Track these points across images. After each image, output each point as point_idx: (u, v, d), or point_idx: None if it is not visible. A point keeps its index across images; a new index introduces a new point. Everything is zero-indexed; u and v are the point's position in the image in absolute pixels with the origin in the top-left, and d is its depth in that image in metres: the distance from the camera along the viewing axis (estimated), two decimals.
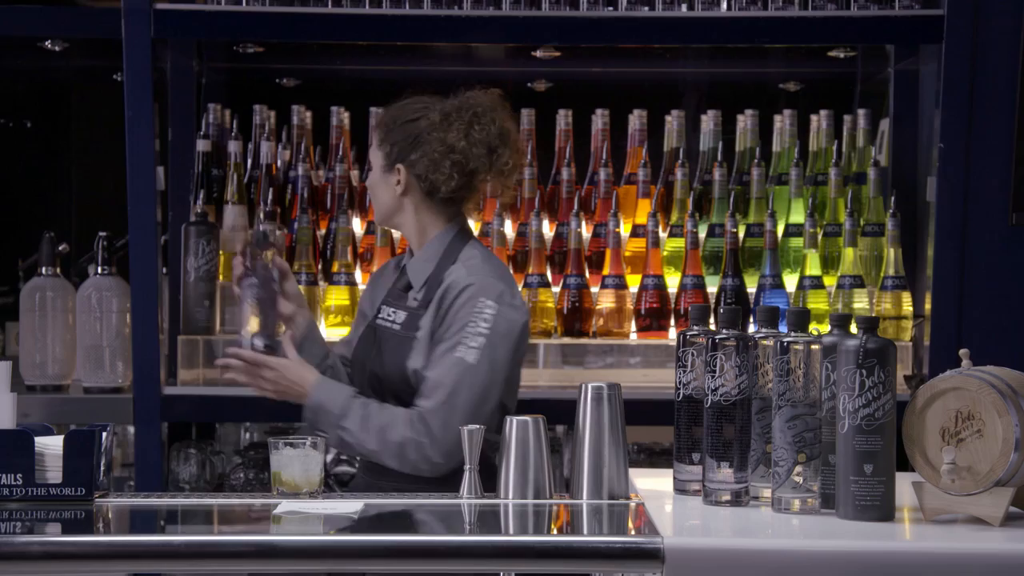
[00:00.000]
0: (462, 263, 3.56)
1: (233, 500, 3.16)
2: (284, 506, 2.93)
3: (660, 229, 4.31)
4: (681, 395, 3.02)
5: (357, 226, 4.41)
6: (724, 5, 4.19)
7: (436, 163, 3.55)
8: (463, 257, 3.57)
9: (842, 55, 4.57)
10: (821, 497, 2.83)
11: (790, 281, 4.26)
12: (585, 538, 2.78)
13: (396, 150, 3.59)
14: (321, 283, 4.32)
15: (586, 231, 4.36)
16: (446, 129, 3.56)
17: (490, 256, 3.65)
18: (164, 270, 4.31)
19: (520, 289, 4.26)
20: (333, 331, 4.22)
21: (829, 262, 4.31)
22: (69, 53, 4.64)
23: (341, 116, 4.51)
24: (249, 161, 4.51)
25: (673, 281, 4.28)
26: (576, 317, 4.25)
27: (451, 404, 3.40)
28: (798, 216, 4.32)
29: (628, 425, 3.03)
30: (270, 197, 4.35)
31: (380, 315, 3.63)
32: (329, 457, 4.36)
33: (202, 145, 4.43)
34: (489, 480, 3.08)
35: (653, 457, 4.57)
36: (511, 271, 3.88)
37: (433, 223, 3.61)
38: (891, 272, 4.22)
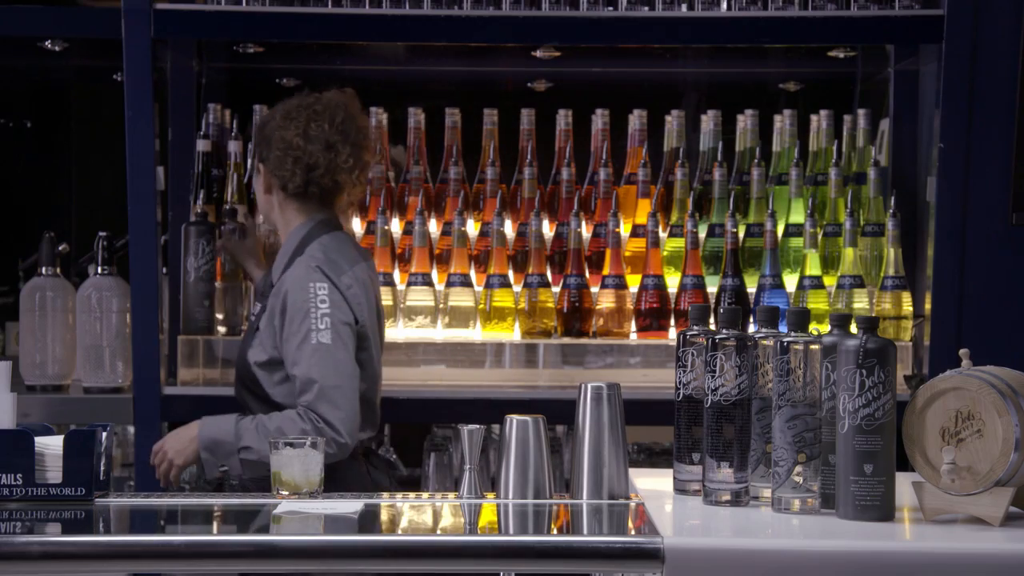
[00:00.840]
0: (303, 255, 3.73)
1: (233, 500, 3.15)
2: (284, 506, 2.93)
3: (660, 229, 4.31)
4: (681, 395, 3.01)
5: (357, 226, 4.41)
6: (724, 5, 4.19)
7: (280, 161, 3.78)
8: (308, 250, 3.74)
9: (842, 55, 4.57)
10: (821, 497, 2.83)
11: (790, 281, 4.26)
12: (585, 538, 2.78)
13: (258, 151, 3.84)
14: None
15: (586, 231, 4.36)
16: (286, 128, 3.76)
17: (335, 247, 3.77)
18: (164, 270, 4.31)
19: (521, 288, 4.26)
20: None
21: (829, 262, 4.31)
22: (69, 53, 4.63)
23: None
24: (249, 161, 4.50)
25: (673, 281, 4.28)
26: (576, 317, 4.25)
27: (327, 389, 3.61)
28: (798, 216, 4.32)
29: (628, 425, 3.03)
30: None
31: (251, 312, 3.93)
32: None
33: (202, 145, 4.43)
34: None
35: (653, 457, 4.57)
36: (363, 258, 3.91)
37: (292, 220, 3.81)
38: (891, 272, 4.22)
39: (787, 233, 4.33)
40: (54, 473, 2.95)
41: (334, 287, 3.69)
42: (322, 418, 3.59)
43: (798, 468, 2.82)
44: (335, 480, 3.32)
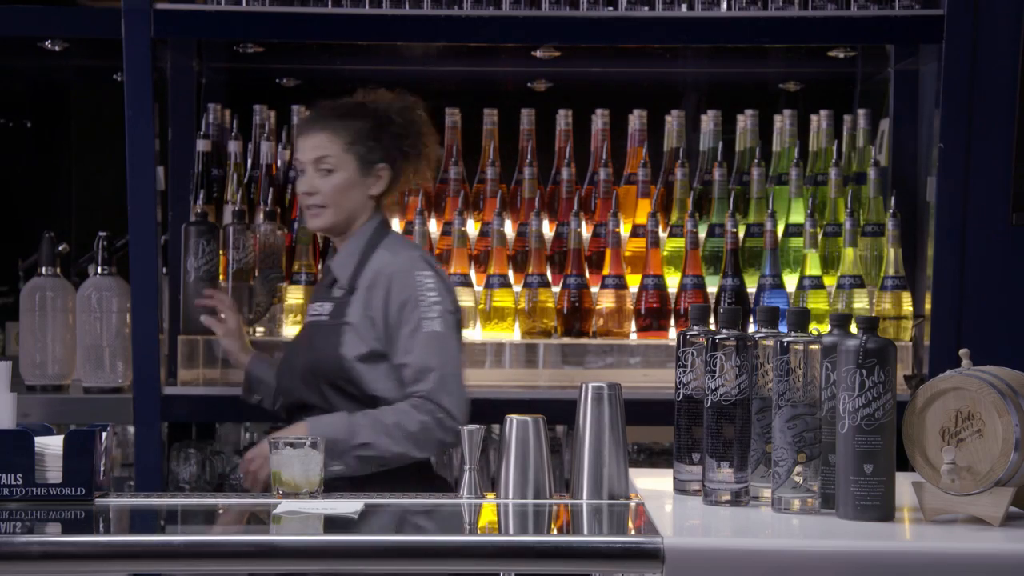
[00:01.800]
0: (384, 248, 3.70)
1: (233, 500, 3.16)
2: (284, 506, 2.93)
3: (660, 229, 4.31)
4: (681, 395, 3.01)
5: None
6: (724, 5, 4.19)
7: (403, 164, 3.75)
8: (384, 244, 3.71)
9: (842, 55, 4.57)
10: (821, 497, 2.83)
11: (790, 281, 4.26)
12: (585, 538, 2.78)
13: (379, 151, 3.70)
14: None
15: (586, 231, 4.36)
16: (429, 135, 3.78)
17: (409, 241, 3.90)
18: (164, 270, 4.31)
19: (521, 288, 4.27)
20: None
21: (829, 262, 4.31)
22: (69, 53, 4.63)
23: None
24: (249, 161, 4.51)
25: (673, 281, 4.28)
26: (576, 317, 4.25)
27: (445, 376, 3.57)
28: (798, 216, 4.32)
29: (628, 425, 3.03)
30: (270, 197, 4.35)
31: (309, 313, 3.76)
32: None
33: (202, 145, 4.43)
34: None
35: (653, 457, 4.57)
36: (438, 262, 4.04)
37: (364, 215, 3.74)
38: (891, 272, 4.22)
39: (787, 233, 4.33)
40: (54, 473, 2.95)
41: (438, 276, 3.68)
42: (440, 406, 3.54)
43: (798, 468, 2.82)
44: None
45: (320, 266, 4.33)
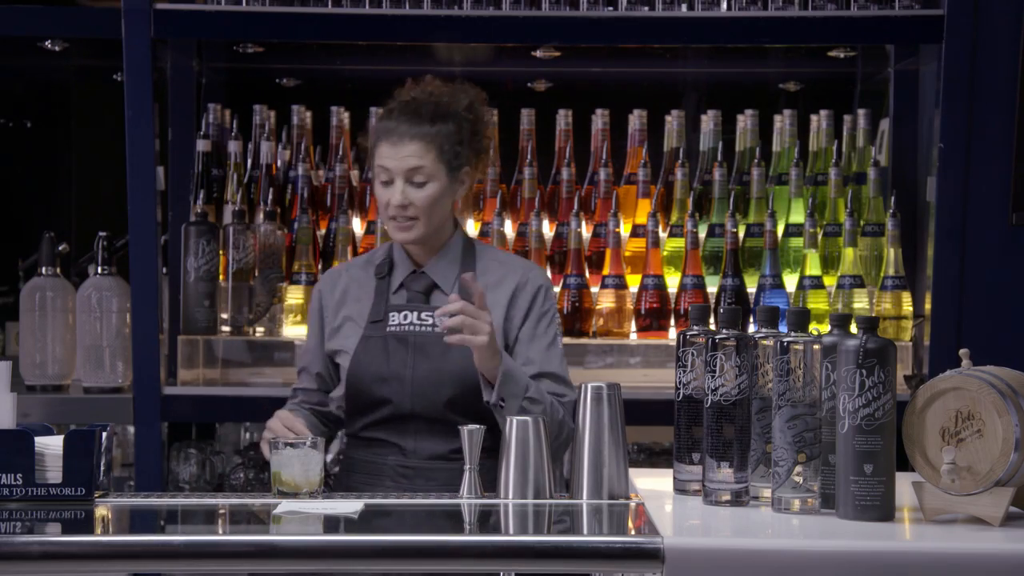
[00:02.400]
0: (503, 256, 3.63)
1: (233, 500, 3.16)
2: (284, 506, 2.93)
3: (660, 229, 4.31)
4: (681, 395, 3.02)
5: (357, 226, 4.41)
6: (724, 5, 4.19)
7: (484, 162, 3.64)
8: (493, 251, 3.65)
9: (842, 55, 4.57)
10: (821, 497, 2.83)
11: (790, 281, 4.26)
12: (585, 538, 2.78)
13: (462, 152, 3.53)
14: None
15: (586, 231, 4.36)
16: (488, 125, 3.63)
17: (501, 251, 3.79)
18: (164, 270, 4.31)
19: None
20: None
21: (829, 262, 4.31)
22: (69, 53, 4.64)
23: (341, 116, 4.51)
24: (249, 161, 4.51)
25: (673, 281, 4.28)
26: (576, 317, 4.25)
27: (571, 386, 3.50)
28: (798, 216, 4.32)
29: (628, 425, 3.03)
30: (270, 197, 4.35)
31: (401, 322, 3.51)
32: (329, 457, 4.36)
33: (202, 145, 4.43)
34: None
35: (653, 457, 4.57)
36: None
37: (447, 225, 3.57)
38: (891, 272, 4.22)
39: (787, 233, 4.33)
40: (54, 473, 2.95)
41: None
42: (570, 415, 3.44)
43: (798, 468, 2.82)
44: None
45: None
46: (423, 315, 3.50)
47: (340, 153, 4.46)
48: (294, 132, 4.55)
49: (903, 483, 2.83)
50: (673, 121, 4.48)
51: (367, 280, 3.60)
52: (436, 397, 3.44)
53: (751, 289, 4.26)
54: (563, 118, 4.49)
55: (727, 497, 2.90)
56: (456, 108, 3.54)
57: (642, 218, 4.31)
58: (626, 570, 2.74)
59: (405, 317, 3.51)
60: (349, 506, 2.94)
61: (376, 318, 3.53)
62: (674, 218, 4.36)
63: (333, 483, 3.80)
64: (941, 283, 4.13)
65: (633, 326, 4.27)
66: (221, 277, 4.30)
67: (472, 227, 4.36)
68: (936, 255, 4.14)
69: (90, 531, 2.83)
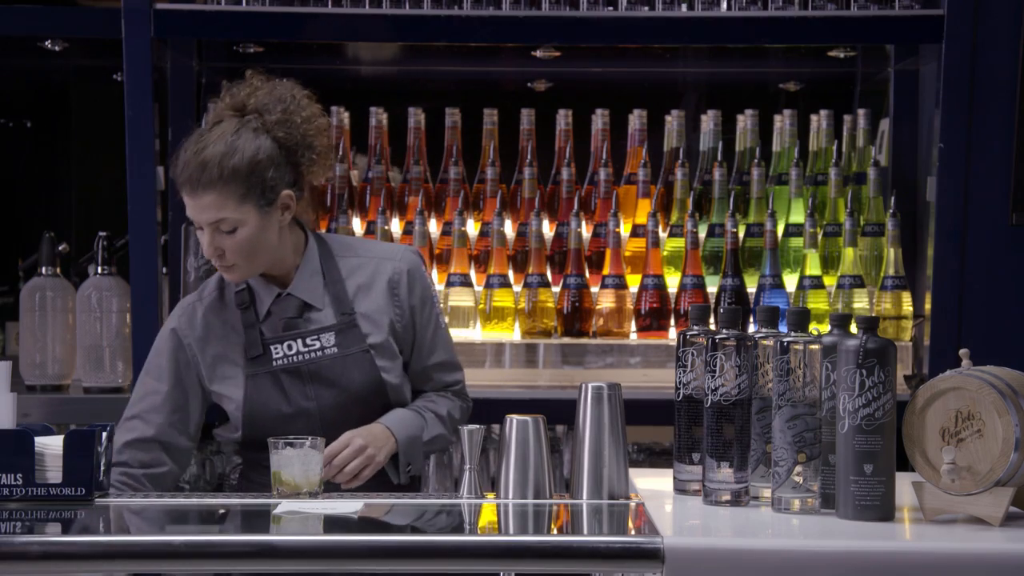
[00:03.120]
0: (363, 249, 3.45)
1: (233, 500, 3.15)
2: (284, 506, 2.93)
3: (660, 229, 4.31)
4: (681, 395, 3.02)
5: (357, 226, 4.41)
6: (724, 5, 4.19)
7: (314, 167, 3.38)
8: (350, 245, 3.46)
9: (842, 55, 4.57)
10: (821, 497, 2.83)
11: (790, 281, 4.26)
12: (585, 538, 2.78)
13: (270, 187, 3.28)
14: None
15: (586, 231, 4.36)
16: (309, 128, 3.38)
17: (350, 235, 3.72)
18: (164, 270, 4.31)
19: (521, 288, 4.27)
20: None
21: (829, 262, 4.31)
22: (69, 53, 4.64)
23: (341, 116, 4.51)
24: None
25: (673, 281, 4.28)
26: (576, 317, 4.25)
27: (460, 368, 3.56)
28: (798, 216, 4.32)
29: (628, 425, 3.03)
30: None
31: (287, 352, 3.34)
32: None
33: None
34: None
35: (653, 457, 4.57)
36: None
37: (290, 244, 3.38)
38: (891, 272, 4.22)
39: (787, 233, 4.33)
40: (54, 473, 2.95)
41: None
42: (467, 398, 3.56)
43: (798, 468, 2.82)
44: None
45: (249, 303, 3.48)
46: (308, 340, 3.35)
47: (340, 153, 4.46)
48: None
49: (903, 483, 2.83)
50: (673, 121, 4.48)
51: (227, 312, 3.41)
52: (346, 422, 3.32)
53: (751, 289, 4.26)
54: (563, 118, 4.49)
55: (727, 497, 2.90)
56: (253, 133, 3.30)
57: (642, 218, 4.31)
58: (626, 570, 2.74)
59: (289, 348, 3.34)
60: (349, 506, 2.94)
61: (255, 353, 3.35)
62: (674, 218, 4.36)
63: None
64: (941, 283, 4.13)
65: (633, 326, 4.27)
66: None
67: (472, 227, 4.37)
68: (936, 255, 4.14)
69: (90, 531, 2.83)
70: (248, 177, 3.25)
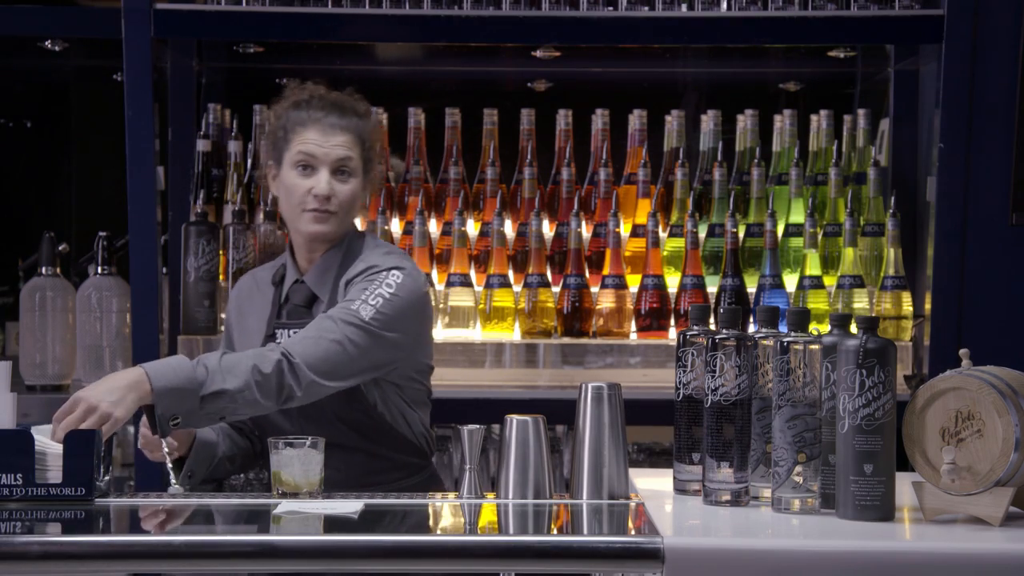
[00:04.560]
0: (369, 251, 3.42)
1: (233, 500, 3.15)
2: (284, 506, 2.93)
3: (660, 229, 4.31)
4: (681, 395, 3.02)
5: (357, 226, 4.40)
6: (724, 5, 4.19)
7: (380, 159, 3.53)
8: (369, 246, 3.45)
9: (842, 55, 4.57)
10: (821, 497, 2.83)
11: (790, 281, 4.26)
12: (585, 538, 2.78)
13: (372, 156, 3.45)
14: None
15: (586, 231, 4.36)
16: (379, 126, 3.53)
17: (389, 244, 3.58)
18: (164, 270, 4.31)
19: (521, 288, 4.27)
20: None
21: (829, 262, 4.31)
22: (69, 53, 4.64)
23: None
24: (249, 161, 4.51)
25: (673, 281, 4.28)
26: (576, 317, 4.25)
27: (317, 338, 3.20)
28: (798, 216, 4.32)
29: (628, 425, 3.03)
30: (270, 197, 4.35)
31: (287, 339, 3.28)
32: None
33: (202, 145, 4.43)
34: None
35: (653, 457, 4.57)
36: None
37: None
38: (891, 272, 4.22)
39: (787, 233, 4.33)
40: (54, 473, 2.95)
41: (404, 276, 3.35)
42: (299, 353, 3.20)
43: (798, 468, 2.82)
44: None
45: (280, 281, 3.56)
46: (290, 332, 3.35)
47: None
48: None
49: (903, 483, 2.83)
50: (673, 121, 4.48)
51: (267, 287, 3.49)
52: (320, 417, 3.31)
53: (751, 289, 4.26)
54: (563, 118, 4.49)
55: (727, 497, 2.90)
56: (363, 111, 3.47)
57: (642, 218, 4.31)
58: (626, 570, 2.74)
59: (289, 336, 3.33)
60: (349, 506, 2.94)
61: (268, 333, 3.42)
62: (674, 218, 4.36)
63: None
64: (941, 283, 4.13)
65: (633, 326, 4.27)
66: (221, 277, 4.30)
67: (472, 227, 4.36)
68: (936, 255, 4.14)
69: (90, 531, 2.83)
70: (368, 134, 3.42)
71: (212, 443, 3.37)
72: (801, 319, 2.86)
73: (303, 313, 3.41)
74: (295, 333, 3.30)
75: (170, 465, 3.18)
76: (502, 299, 4.24)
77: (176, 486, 3.14)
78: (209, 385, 3.09)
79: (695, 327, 3.02)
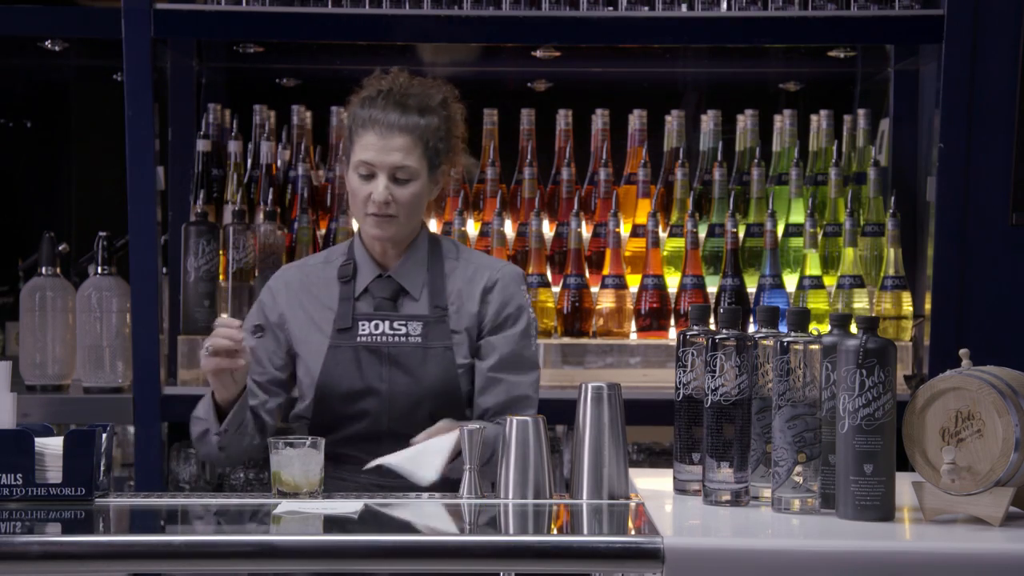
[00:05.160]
0: (470, 254, 3.46)
1: (233, 500, 3.15)
2: (284, 506, 2.93)
3: (660, 229, 4.31)
4: (681, 395, 3.01)
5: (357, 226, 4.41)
6: (724, 5, 4.19)
7: (457, 160, 3.48)
8: (460, 249, 3.47)
9: (842, 55, 4.57)
10: (821, 497, 2.83)
11: (790, 281, 4.27)
12: (585, 538, 2.78)
13: (442, 150, 3.40)
14: None
15: (586, 231, 4.36)
16: (457, 122, 3.45)
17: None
18: (164, 270, 4.31)
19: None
20: None
21: (829, 262, 4.31)
22: (69, 53, 4.64)
23: (341, 116, 4.50)
24: (249, 161, 4.51)
25: (673, 281, 4.28)
26: (576, 317, 4.25)
27: (536, 399, 3.42)
28: (798, 216, 4.32)
29: (628, 425, 3.03)
30: (270, 197, 4.35)
31: (372, 331, 3.36)
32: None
33: (202, 145, 4.43)
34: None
35: (653, 457, 4.57)
36: None
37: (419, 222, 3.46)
38: (891, 272, 4.22)
39: (787, 233, 4.33)
40: (54, 473, 2.95)
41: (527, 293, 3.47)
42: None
43: (798, 468, 2.82)
44: None
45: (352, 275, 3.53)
46: (395, 324, 3.36)
47: (340, 153, 4.47)
48: (294, 132, 4.55)
49: (903, 483, 2.83)
50: (673, 121, 4.48)
51: (328, 282, 3.45)
52: (415, 413, 3.33)
53: (751, 289, 4.26)
54: (563, 118, 4.49)
55: (727, 497, 2.90)
56: (436, 102, 3.40)
57: (642, 218, 4.31)
58: (626, 570, 2.74)
59: (376, 327, 3.36)
60: (349, 506, 2.94)
61: (344, 326, 3.38)
62: (674, 218, 4.36)
63: None
64: (941, 283, 4.13)
65: (633, 326, 4.27)
66: (221, 277, 4.30)
67: (472, 227, 4.37)
68: (936, 255, 4.14)
69: (90, 531, 2.83)
70: (435, 129, 3.35)
71: (247, 407, 3.33)
72: (801, 319, 2.86)
73: (389, 306, 3.39)
74: (381, 324, 3.35)
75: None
76: None
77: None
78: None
79: (695, 327, 3.02)
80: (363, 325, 3.37)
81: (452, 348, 3.37)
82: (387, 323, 3.37)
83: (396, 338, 3.36)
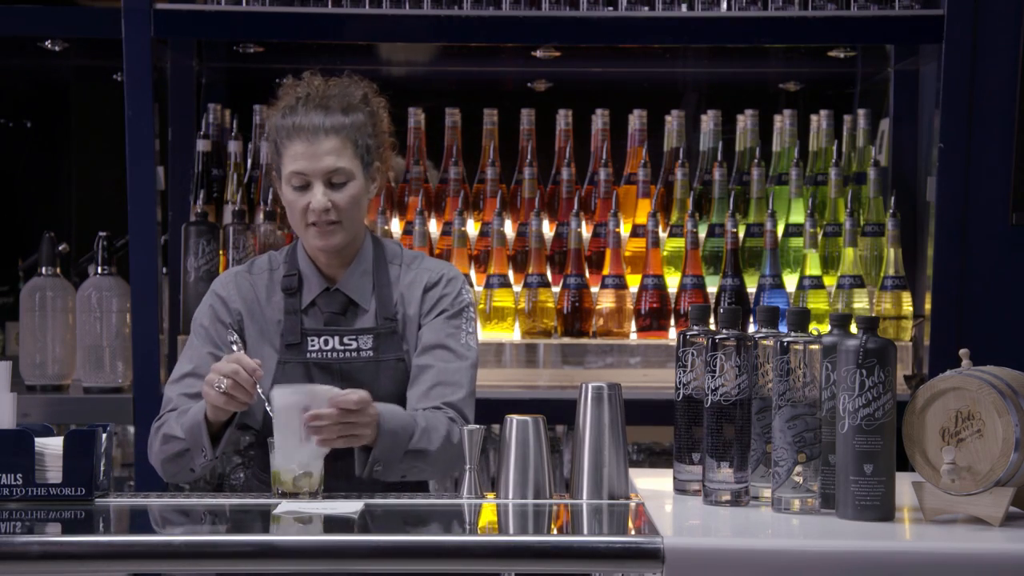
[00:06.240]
0: (413, 258, 3.38)
1: (233, 500, 3.15)
2: (284, 506, 2.93)
3: (660, 229, 4.31)
4: (681, 395, 3.01)
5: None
6: (724, 5, 4.19)
7: (390, 157, 3.41)
8: (405, 254, 3.40)
9: (842, 55, 4.57)
10: (821, 497, 2.83)
11: (790, 281, 4.27)
12: (585, 538, 2.78)
13: (372, 146, 3.31)
14: None
15: (586, 231, 4.36)
16: (382, 117, 3.36)
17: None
18: (164, 270, 4.31)
19: (521, 289, 4.27)
20: None
21: (829, 262, 4.31)
22: (69, 53, 4.64)
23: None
24: (249, 161, 4.51)
25: (673, 281, 4.28)
26: (576, 317, 4.25)
27: (471, 391, 3.32)
28: (798, 216, 4.32)
29: (628, 425, 3.03)
30: (270, 197, 4.35)
31: (322, 347, 3.28)
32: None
33: (202, 145, 4.43)
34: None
35: (653, 457, 4.57)
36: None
37: (362, 227, 3.36)
38: (891, 272, 4.22)
39: (787, 233, 4.33)
40: (54, 473, 2.95)
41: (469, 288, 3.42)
42: (468, 422, 3.27)
43: (798, 468, 2.82)
44: None
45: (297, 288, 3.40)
46: (346, 339, 3.28)
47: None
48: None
49: (903, 483, 2.83)
50: (673, 121, 4.48)
51: (273, 291, 3.35)
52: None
53: (751, 289, 4.26)
54: (563, 118, 4.49)
55: (727, 497, 2.90)
56: (357, 99, 3.30)
57: (642, 218, 4.31)
58: (626, 570, 2.74)
59: (326, 343, 3.28)
60: (349, 506, 2.94)
61: (292, 341, 3.28)
62: (674, 218, 4.36)
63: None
64: (941, 283, 4.13)
65: (633, 326, 4.27)
66: None
67: (472, 227, 4.37)
68: (936, 255, 4.14)
69: (90, 531, 2.83)
70: (362, 126, 3.26)
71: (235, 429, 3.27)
72: (801, 319, 2.86)
73: (339, 320, 3.31)
74: (331, 340, 3.27)
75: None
76: (502, 299, 4.25)
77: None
78: (416, 442, 3.16)
79: (695, 327, 3.02)
80: (312, 341, 3.29)
81: (404, 359, 3.31)
82: (337, 338, 3.29)
83: (347, 353, 3.29)
